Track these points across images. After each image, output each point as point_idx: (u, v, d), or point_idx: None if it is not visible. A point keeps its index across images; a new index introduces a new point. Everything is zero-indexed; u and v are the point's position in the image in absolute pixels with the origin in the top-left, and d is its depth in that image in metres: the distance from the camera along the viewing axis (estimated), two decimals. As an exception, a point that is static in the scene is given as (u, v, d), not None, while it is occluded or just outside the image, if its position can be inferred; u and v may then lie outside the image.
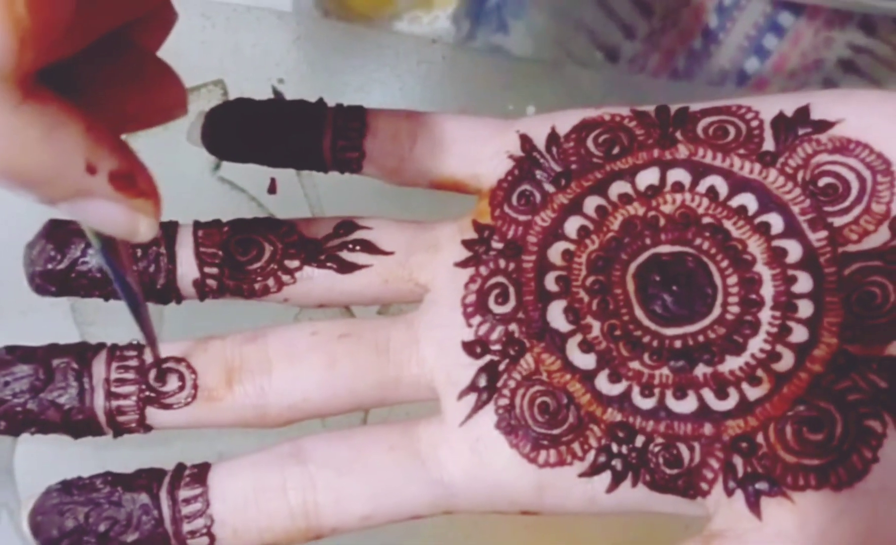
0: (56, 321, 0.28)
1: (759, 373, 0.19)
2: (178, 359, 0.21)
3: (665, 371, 0.20)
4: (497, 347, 0.21)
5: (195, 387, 0.21)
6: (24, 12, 0.13)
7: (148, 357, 0.21)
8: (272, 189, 0.29)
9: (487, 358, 0.21)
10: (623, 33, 0.36)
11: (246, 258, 0.22)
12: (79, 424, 0.21)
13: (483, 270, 0.21)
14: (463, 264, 0.22)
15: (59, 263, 0.22)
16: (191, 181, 0.28)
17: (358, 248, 0.22)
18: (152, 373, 0.21)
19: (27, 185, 0.15)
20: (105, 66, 0.16)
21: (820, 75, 0.37)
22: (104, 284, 0.22)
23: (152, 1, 0.17)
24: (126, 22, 0.16)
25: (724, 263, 0.20)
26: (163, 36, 0.17)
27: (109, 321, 0.28)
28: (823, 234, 0.20)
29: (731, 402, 0.19)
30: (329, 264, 0.22)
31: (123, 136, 0.16)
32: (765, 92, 0.37)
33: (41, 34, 0.13)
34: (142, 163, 0.16)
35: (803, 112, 0.21)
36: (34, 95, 0.14)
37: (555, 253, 0.21)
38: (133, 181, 0.15)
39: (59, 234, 0.22)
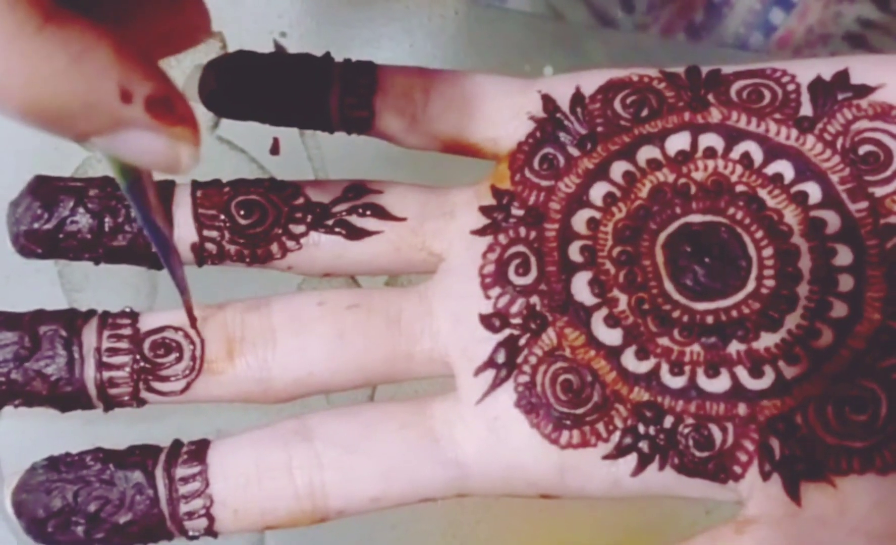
0: (42, 288, 0.27)
1: (797, 350, 0.18)
2: (176, 329, 0.20)
3: (696, 348, 0.19)
4: (517, 321, 0.19)
5: (194, 358, 0.20)
6: None
7: (143, 325, 0.20)
8: (275, 150, 0.28)
9: (507, 332, 0.19)
10: (622, 6, 0.35)
11: (248, 221, 0.21)
12: (67, 396, 0.20)
13: (502, 239, 0.20)
14: (480, 232, 0.20)
15: (46, 222, 0.20)
16: (187, 140, 0.27)
17: (368, 212, 0.21)
18: (147, 343, 0.20)
19: (57, 119, 0.13)
20: None
21: (826, 51, 0.37)
22: (94, 246, 0.20)
23: None
24: None
25: (759, 234, 0.19)
26: None
27: (100, 287, 0.26)
28: (864, 204, 0.19)
29: (766, 381, 0.18)
30: (337, 230, 0.21)
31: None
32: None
33: None
34: (175, 85, 0.14)
35: (842, 76, 0.20)
36: (55, 18, 0.13)
37: (579, 221, 0.20)
38: (171, 106, 0.14)
39: (47, 190, 0.20)
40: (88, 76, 0.13)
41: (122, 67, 0.13)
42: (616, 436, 0.18)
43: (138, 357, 0.20)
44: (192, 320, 0.20)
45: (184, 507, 0.19)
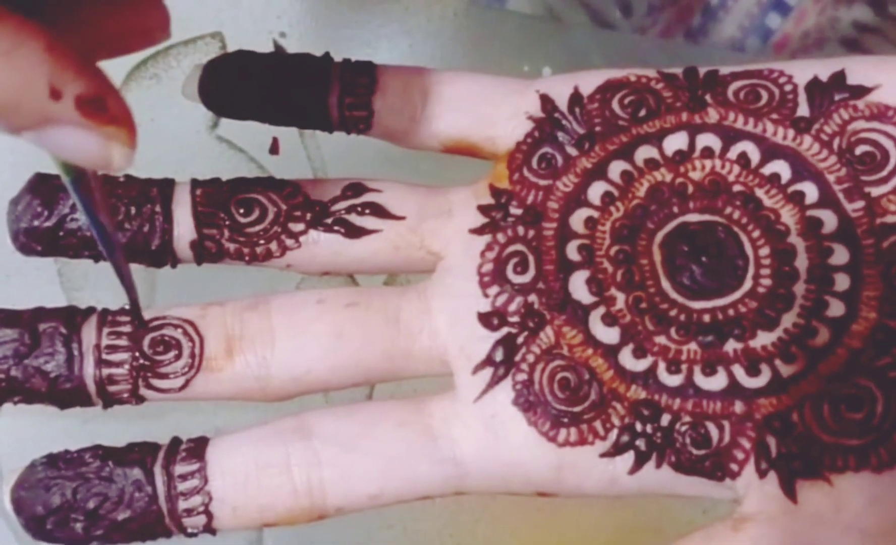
0: (41, 286, 0.27)
1: (794, 349, 0.18)
2: (176, 326, 0.20)
3: (693, 346, 0.19)
4: (515, 319, 0.19)
5: (193, 356, 0.20)
6: None
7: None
8: (274, 149, 0.28)
9: (505, 330, 0.19)
10: (620, 10, 0.35)
11: (247, 219, 0.21)
12: (66, 394, 0.20)
13: (500, 238, 0.20)
14: (479, 231, 0.21)
15: (45, 220, 0.20)
16: (186, 139, 0.27)
17: (367, 211, 0.21)
18: (147, 340, 0.20)
19: None
20: None
21: (822, 55, 0.37)
22: (94, 244, 0.20)
23: None
24: None
25: (756, 234, 0.19)
26: None
27: (99, 286, 0.26)
28: (860, 204, 0.19)
29: (763, 379, 0.18)
30: (336, 228, 0.21)
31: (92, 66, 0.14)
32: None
33: None
34: (112, 85, 0.14)
35: (839, 77, 0.20)
36: None
37: (577, 220, 0.20)
38: (103, 106, 0.14)
39: (47, 188, 0.20)
40: (17, 71, 0.13)
41: (53, 65, 0.13)
42: (613, 434, 0.18)
43: (137, 354, 0.20)
44: (140, 320, 0.20)
45: (182, 504, 0.19)
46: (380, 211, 0.21)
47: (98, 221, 0.17)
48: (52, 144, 0.14)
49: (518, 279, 0.20)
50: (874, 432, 0.17)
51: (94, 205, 0.17)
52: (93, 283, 0.27)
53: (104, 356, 0.20)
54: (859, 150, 0.20)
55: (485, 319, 0.20)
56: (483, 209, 0.21)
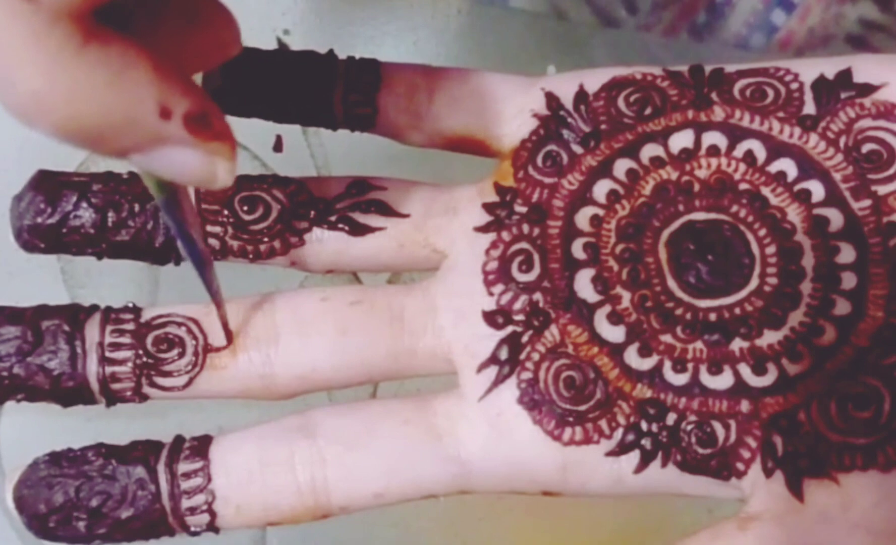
0: (44, 284, 0.27)
1: (800, 347, 0.18)
2: (179, 324, 0.20)
3: (699, 345, 0.19)
4: (520, 318, 0.19)
5: (196, 354, 0.20)
6: None
7: (145, 320, 0.20)
8: (278, 147, 0.28)
9: (510, 329, 0.19)
10: (625, 7, 0.35)
11: (251, 217, 0.21)
12: (69, 391, 0.19)
13: (505, 236, 0.20)
14: (484, 229, 0.20)
15: (49, 217, 0.20)
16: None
17: (371, 209, 0.21)
18: (150, 338, 0.20)
19: (96, 137, 0.14)
20: (158, 6, 0.15)
21: (827, 52, 0.37)
22: (97, 241, 0.20)
23: None
24: None
25: (762, 232, 0.19)
26: None
27: (102, 284, 0.26)
28: (867, 202, 0.19)
29: (769, 378, 0.18)
30: (340, 226, 0.21)
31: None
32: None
33: None
34: (213, 101, 0.14)
35: (845, 75, 0.20)
36: (96, 36, 0.13)
37: (582, 218, 0.20)
38: (208, 122, 0.14)
39: (50, 185, 0.20)
40: (128, 93, 0.13)
41: (161, 84, 0.14)
42: (619, 433, 0.18)
43: (141, 352, 0.20)
44: (229, 336, 0.20)
45: (186, 503, 0.19)
46: (384, 208, 0.21)
47: (189, 237, 0.17)
48: (160, 165, 0.14)
49: (523, 277, 0.20)
50: (881, 431, 0.17)
51: (185, 221, 0.17)
52: (96, 281, 0.27)
53: (107, 354, 0.19)
54: (866, 148, 0.19)
55: (489, 318, 0.20)
56: (488, 207, 0.21)
